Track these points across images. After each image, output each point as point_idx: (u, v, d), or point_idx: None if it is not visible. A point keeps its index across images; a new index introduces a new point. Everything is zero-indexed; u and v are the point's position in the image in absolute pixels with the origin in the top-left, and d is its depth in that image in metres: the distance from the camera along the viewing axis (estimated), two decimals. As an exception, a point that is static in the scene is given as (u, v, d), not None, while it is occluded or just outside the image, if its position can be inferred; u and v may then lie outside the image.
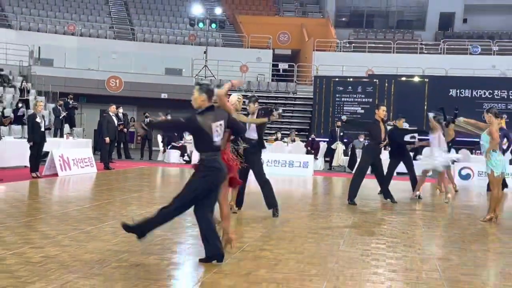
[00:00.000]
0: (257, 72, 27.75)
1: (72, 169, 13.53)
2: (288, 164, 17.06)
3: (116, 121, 16.07)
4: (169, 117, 19.96)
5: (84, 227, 6.81)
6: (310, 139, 20.81)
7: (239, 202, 8.77)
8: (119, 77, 25.58)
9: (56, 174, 12.93)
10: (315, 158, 18.52)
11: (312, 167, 17.07)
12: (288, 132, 22.78)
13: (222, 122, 5.34)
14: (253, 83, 27.27)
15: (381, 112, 10.01)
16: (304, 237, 6.85)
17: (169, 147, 19.45)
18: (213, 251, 5.28)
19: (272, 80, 28.47)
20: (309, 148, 19.62)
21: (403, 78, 23.87)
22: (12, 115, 18.88)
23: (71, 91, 23.01)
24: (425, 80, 23.58)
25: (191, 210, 5.46)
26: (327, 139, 20.23)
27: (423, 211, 9.89)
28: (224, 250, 5.46)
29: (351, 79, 24.41)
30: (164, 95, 26.02)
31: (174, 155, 19.17)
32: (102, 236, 6.37)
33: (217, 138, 5.26)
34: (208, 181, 5.25)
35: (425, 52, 29.18)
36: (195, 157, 18.78)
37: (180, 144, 19.51)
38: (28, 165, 12.83)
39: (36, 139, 12.31)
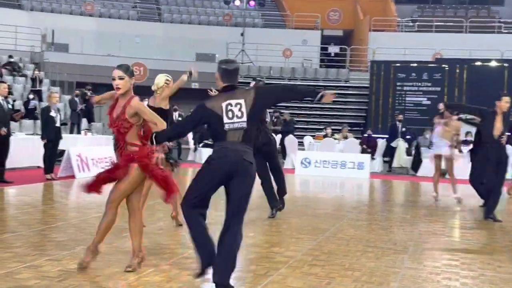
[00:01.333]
0: (302, 56, 27.68)
1: (91, 170, 13.77)
2: (340, 165, 16.96)
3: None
4: (176, 114, 20.05)
5: (106, 238, 6.91)
6: (365, 135, 20.65)
7: (272, 201, 8.76)
8: (144, 64, 25.92)
9: (73, 176, 13.20)
10: (372, 158, 18.36)
11: (368, 168, 16.93)
12: (340, 128, 22.64)
13: (240, 101, 4.83)
14: (298, 70, 27.23)
15: (504, 104, 9.27)
16: (361, 251, 6.80)
17: (201, 145, 19.61)
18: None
19: (321, 66, 28.38)
20: (364, 146, 19.47)
21: (478, 63, 23.41)
22: (23, 109, 19.42)
23: (89, 80, 23.47)
24: (504, 65, 23.07)
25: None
26: (386, 136, 20.02)
27: (509, 221, 9.67)
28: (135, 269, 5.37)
29: (414, 64, 24.09)
30: (195, 85, 26.25)
31: (206, 154, 19.29)
32: (127, 247, 6.45)
33: (229, 121, 4.76)
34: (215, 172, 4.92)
35: (504, 31, 28.52)
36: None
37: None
38: (42, 165, 13.13)
39: (51, 136, 12.59)
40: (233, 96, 4.88)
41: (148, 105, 7.17)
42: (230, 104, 4.81)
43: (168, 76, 7.61)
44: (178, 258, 6.05)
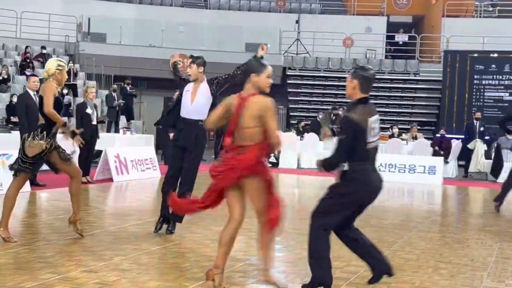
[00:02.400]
0: (366, 46, 27.45)
1: (130, 172, 13.99)
2: (408, 169, 16.77)
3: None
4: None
5: (147, 247, 7.03)
6: (438, 135, 20.37)
7: None
8: (188, 56, 26.17)
9: (110, 179, 13.43)
10: (445, 162, 18.09)
11: (441, 173, 16.68)
12: (408, 127, 22.36)
13: (377, 117, 5.19)
14: (360, 61, 27.02)
15: None
16: (433, 267, 6.71)
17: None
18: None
19: (387, 57, 28.09)
20: (436, 148, 19.21)
21: None
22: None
23: (128, 73, 23.85)
24: None
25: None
26: (462, 136, 19.71)
27: None
28: None
29: (495, 55, 23.62)
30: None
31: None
32: (170, 258, 6.54)
33: (372, 139, 5.09)
34: (357, 198, 5.27)
35: None
36: (285, 158, 18.95)
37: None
38: (77, 167, 13.37)
39: (86, 135, 12.82)
40: (373, 111, 5.14)
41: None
42: (373, 121, 5.06)
43: (61, 61, 7.22)
44: (226, 272, 6.07)
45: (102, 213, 9.81)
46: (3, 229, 6.99)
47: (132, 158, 14.19)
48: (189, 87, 7.79)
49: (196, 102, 7.64)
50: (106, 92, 22.12)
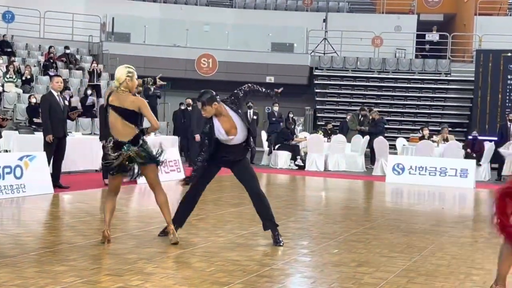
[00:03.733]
0: (395, 45, 27.31)
1: (154, 174, 14.05)
2: (440, 172, 16.63)
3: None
4: (251, 112, 20.08)
5: (172, 251, 7.06)
6: (470, 137, 20.19)
7: None
8: (213, 56, 26.31)
9: (134, 181, 13.49)
10: (478, 164, 17.91)
11: (473, 176, 16.51)
12: (439, 128, 22.19)
13: None
14: (389, 60, 26.90)
15: None
16: (465, 273, 6.65)
17: (276, 147, 19.70)
18: None
19: (417, 57, 27.92)
20: (469, 150, 19.02)
21: None
22: (80, 105, 20.07)
23: (152, 73, 23.74)
24: None
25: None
26: (495, 138, 19.51)
27: None
28: None
29: (529, 54, 23.33)
30: (270, 79, 26.39)
31: (282, 158, 19.38)
32: (194, 262, 6.56)
33: None
34: None
35: None
36: (312, 160, 18.92)
37: (292, 144, 19.67)
38: (100, 169, 13.50)
39: (110, 137, 12.91)
40: None
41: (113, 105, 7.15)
42: None
43: (130, 68, 7.26)
44: (251, 276, 6.09)
45: (125, 216, 9.87)
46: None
47: (156, 159, 14.23)
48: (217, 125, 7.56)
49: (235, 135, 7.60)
50: (130, 93, 22.24)
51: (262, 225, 7.75)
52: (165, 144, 7.80)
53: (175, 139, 17.86)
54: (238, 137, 7.59)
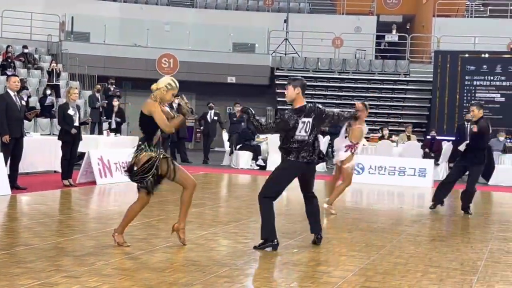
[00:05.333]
0: (355, 46, 27.52)
1: (114, 175, 13.95)
2: (398, 171, 16.82)
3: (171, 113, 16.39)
4: (212, 113, 20.16)
5: (130, 252, 7.01)
6: (428, 137, 20.43)
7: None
8: (174, 56, 26.19)
9: (94, 182, 13.39)
10: (436, 164, 18.14)
11: (431, 176, 16.73)
12: (397, 128, 22.46)
13: None
14: (350, 61, 27.10)
15: None
16: (422, 271, 6.73)
17: (238, 147, 19.69)
18: None
19: (376, 57, 28.18)
20: (427, 150, 19.26)
21: (562, 53, 22.92)
22: (38, 106, 19.81)
23: (112, 73, 23.81)
24: None
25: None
26: (453, 138, 19.75)
27: None
28: None
29: (486, 55, 23.73)
30: (231, 79, 26.39)
31: (244, 158, 19.38)
32: (153, 263, 6.53)
33: None
34: None
35: None
36: (273, 161, 18.91)
37: (253, 144, 19.69)
38: (59, 170, 13.36)
39: (68, 137, 12.79)
40: None
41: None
42: None
43: (173, 82, 7.45)
44: (211, 277, 6.08)
45: (84, 217, 9.78)
46: (118, 234, 7.29)
47: (116, 160, 14.14)
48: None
49: None
50: (89, 92, 22.05)
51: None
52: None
53: (136, 139, 17.70)
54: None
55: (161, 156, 7.25)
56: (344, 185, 11.04)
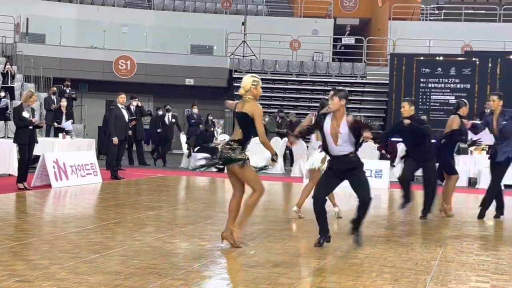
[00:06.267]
0: (313, 49, 27.70)
1: (70, 178, 13.81)
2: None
3: (127, 116, 16.32)
4: (170, 115, 20.18)
5: (86, 255, 6.94)
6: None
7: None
8: (131, 58, 26.00)
9: (49, 185, 13.22)
10: (392, 165, 18.31)
11: (387, 177, 16.89)
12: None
13: None
14: (307, 64, 27.25)
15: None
16: (377, 271, 6.79)
17: (196, 149, 19.62)
18: None
19: (333, 60, 28.39)
20: (383, 151, 19.43)
21: (514, 56, 23.38)
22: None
23: (68, 75, 23.53)
24: (544, 58, 23.03)
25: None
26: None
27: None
28: None
29: (441, 58, 24.09)
30: (189, 81, 26.31)
31: (202, 161, 19.29)
32: (109, 267, 6.47)
33: None
34: None
35: (544, 20, 28.51)
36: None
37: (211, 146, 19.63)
38: (14, 173, 13.15)
39: (24, 140, 12.61)
40: None
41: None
42: None
43: (255, 77, 7.77)
44: (167, 279, 6.06)
45: (39, 221, 9.64)
46: (238, 229, 7.63)
47: (72, 163, 14.00)
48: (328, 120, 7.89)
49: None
50: (45, 95, 21.77)
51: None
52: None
53: (92, 141, 17.56)
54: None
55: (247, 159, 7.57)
56: (310, 186, 10.98)
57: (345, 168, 7.87)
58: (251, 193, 7.68)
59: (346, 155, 7.83)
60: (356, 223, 8.00)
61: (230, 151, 7.57)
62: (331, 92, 8.04)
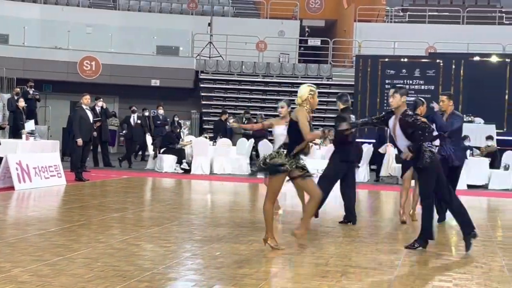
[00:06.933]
0: (279, 50, 27.78)
1: (33, 180, 13.65)
2: (320, 174, 16.96)
3: (91, 117, 16.18)
4: (135, 116, 20.15)
5: (49, 258, 6.86)
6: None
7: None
8: (96, 58, 25.79)
9: (12, 187, 13.06)
10: (357, 166, 18.44)
11: (353, 177, 16.97)
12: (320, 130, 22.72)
13: None
14: (273, 65, 27.31)
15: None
16: (342, 272, 6.83)
17: (162, 150, 19.54)
18: None
19: (300, 61, 28.50)
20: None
21: (476, 58, 23.73)
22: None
23: (32, 76, 23.27)
24: (506, 60, 23.41)
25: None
26: (373, 141, 20.14)
27: (507, 237, 9.80)
28: None
29: (405, 60, 24.34)
30: (155, 82, 26.19)
31: (168, 162, 19.24)
32: (73, 269, 6.41)
33: None
34: None
35: (506, 22, 28.95)
36: (197, 164, 18.91)
37: (177, 148, 19.57)
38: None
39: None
40: None
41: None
42: None
43: (312, 86, 7.94)
44: (132, 281, 6.02)
45: (1, 223, 9.50)
46: (271, 239, 7.74)
47: (36, 165, 13.83)
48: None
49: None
50: (8, 95, 21.49)
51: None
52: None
53: (56, 143, 17.36)
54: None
55: (294, 166, 7.73)
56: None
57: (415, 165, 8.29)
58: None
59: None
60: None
61: (276, 155, 7.78)
62: (392, 90, 8.35)
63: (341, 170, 10.34)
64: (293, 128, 7.80)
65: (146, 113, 21.20)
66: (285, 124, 9.13)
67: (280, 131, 9.91)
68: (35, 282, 5.83)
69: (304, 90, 7.84)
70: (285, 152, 7.77)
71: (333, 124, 24.04)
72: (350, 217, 10.48)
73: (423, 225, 8.35)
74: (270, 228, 7.79)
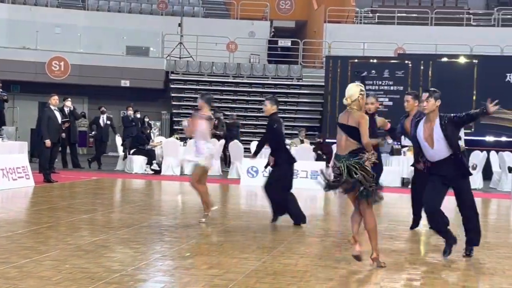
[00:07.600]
0: (249, 51, 27.80)
1: (1, 182, 13.52)
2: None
3: (60, 118, 16.06)
4: (104, 117, 20.05)
5: (16, 260, 6.80)
6: (319, 140, 20.83)
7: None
8: (65, 59, 25.56)
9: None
10: (327, 166, 18.51)
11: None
12: (291, 132, 22.82)
13: None
14: (244, 66, 27.32)
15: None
16: (311, 271, 6.86)
17: (132, 151, 19.43)
18: None
19: (270, 62, 28.53)
20: (319, 152, 19.64)
21: (445, 59, 23.96)
22: None
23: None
24: (474, 61, 23.68)
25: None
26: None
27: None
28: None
29: (374, 61, 24.48)
30: (125, 82, 26.02)
31: (138, 163, 19.15)
32: (40, 272, 6.35)
33: None
34: None
35: (474, 24, 29.31)
36: (167, 165, 18.84)
37: (147, 149, 19.49)
38: None
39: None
40: None
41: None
42: None
43: (361, 86, 7.44)
44: (100, 283, 5.98)
45: (-32, 226, 9.39)
46: (376, 255, 7.20)
47: (3, 166, 13.69)
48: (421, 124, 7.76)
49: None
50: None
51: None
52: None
53: (24, 144, 17.17)
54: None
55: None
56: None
57: (452, 174, 7.69)
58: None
59: (447, 158, 7.64)
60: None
61: (357, 160, 7.12)
62: (426, 94, 7.70)
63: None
64: (349, 132, 7.23)
65: (138, 115, 21.32)
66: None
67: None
68: (1, 285, 5.77)
69: (354, 90, 7.28)
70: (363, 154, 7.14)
71: (301, 125, 24.08)
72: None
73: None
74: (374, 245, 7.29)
